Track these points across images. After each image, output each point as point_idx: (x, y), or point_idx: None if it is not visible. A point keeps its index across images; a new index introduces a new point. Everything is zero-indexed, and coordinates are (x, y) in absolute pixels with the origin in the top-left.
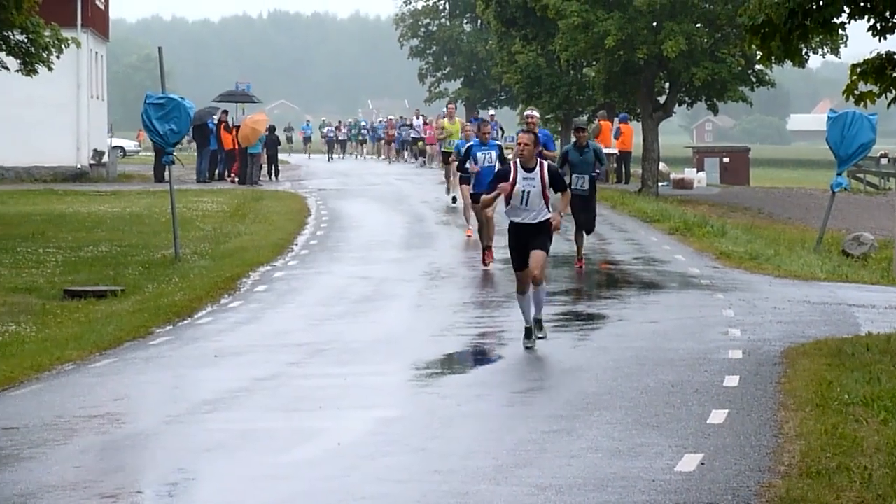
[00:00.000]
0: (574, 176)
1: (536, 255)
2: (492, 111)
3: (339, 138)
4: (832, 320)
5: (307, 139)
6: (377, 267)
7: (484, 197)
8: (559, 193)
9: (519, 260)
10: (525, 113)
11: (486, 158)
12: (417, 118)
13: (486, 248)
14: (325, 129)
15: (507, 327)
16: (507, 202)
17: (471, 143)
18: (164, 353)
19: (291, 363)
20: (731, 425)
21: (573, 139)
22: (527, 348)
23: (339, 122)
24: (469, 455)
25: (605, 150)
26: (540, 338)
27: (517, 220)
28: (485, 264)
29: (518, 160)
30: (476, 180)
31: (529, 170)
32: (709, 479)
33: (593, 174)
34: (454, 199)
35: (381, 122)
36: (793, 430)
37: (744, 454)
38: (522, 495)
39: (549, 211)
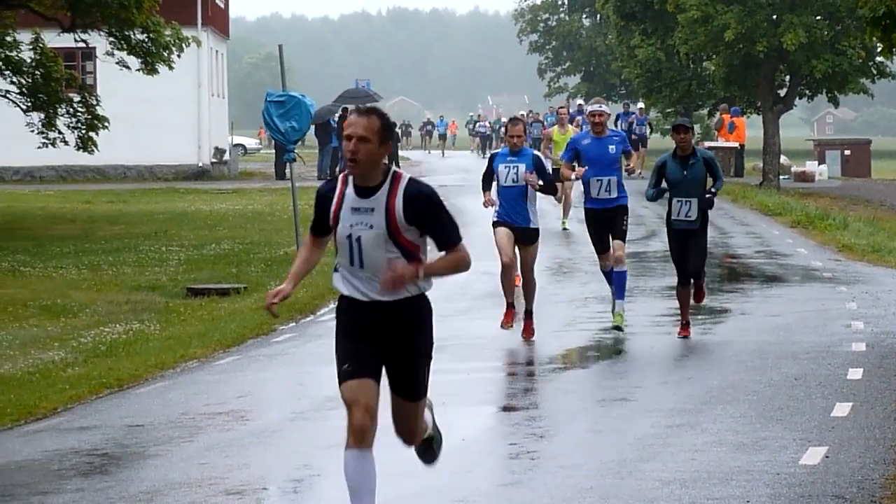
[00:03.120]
0: (675, 201)
1: (406, 408)
2: (640, 104)
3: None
4: None
5: (441, 136)
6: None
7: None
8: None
9: (357, 369)
10: (588, 108)
11: (511, 174)
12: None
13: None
14: (477, 125)
15: (628, 322)
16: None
17: (497, 150)
18: (287, 350)
19: None
20: (855, 418)
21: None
22: None
23: (479, 115)
24: (592, 449)
25: (727, 145)
26: None
27: (350, 293)
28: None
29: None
30: (499, 205)
31: (366, 192)
32: (833, 472)
33: (707, 195)
34: (563, 226)
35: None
36: None
37: (868, 447)
38: (646, 489)
39: (421, 278)
